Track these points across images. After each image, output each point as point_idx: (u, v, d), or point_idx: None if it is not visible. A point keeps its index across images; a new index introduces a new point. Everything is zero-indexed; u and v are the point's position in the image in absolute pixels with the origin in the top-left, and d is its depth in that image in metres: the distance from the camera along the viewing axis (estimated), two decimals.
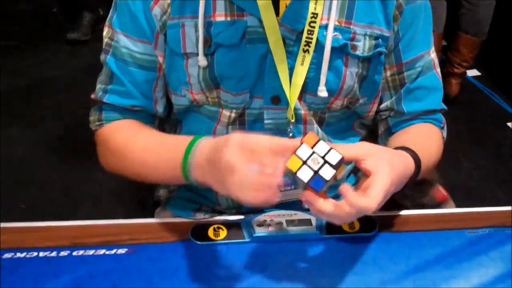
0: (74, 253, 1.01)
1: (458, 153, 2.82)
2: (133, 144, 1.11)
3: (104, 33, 1.14)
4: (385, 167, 0.92)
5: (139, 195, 2.45)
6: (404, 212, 1.13)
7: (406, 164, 1.00)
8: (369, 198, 0.88)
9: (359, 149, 0.94)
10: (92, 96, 1.17)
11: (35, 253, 1.01)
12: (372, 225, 1.07)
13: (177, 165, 1.00)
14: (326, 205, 0.88)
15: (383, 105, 1.19)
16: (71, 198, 2.53)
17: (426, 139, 1.16)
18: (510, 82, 3.37)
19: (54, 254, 1.01)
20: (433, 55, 1.17)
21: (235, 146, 0.87)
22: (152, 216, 1.32)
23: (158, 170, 1.08)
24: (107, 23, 1.13)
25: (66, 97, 3.19)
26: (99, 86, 1.16)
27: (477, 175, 2.73)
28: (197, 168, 0.97)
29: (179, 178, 1.01)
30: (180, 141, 1.02)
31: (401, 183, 0.98)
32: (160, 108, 1.17)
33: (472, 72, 3.52)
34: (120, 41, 1.11)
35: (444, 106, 1.21)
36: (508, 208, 1.15)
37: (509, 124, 3.09)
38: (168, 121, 1.24)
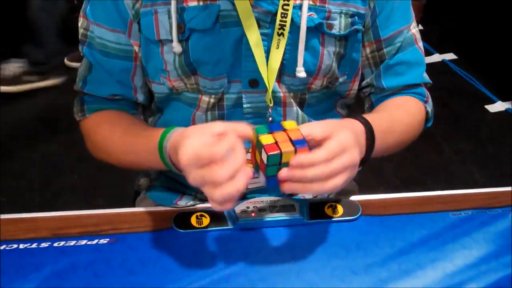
0: (55, 244, 1.00)
1: (438, 137, 2.84)
2: (113, 142, 1.12)
3: (79, 24, 1.13)
4: (339, 128, 0.92)
5: (118, 186, 2.46)
6: (387, 196, 1.13)
7: (352, 123, 1.00)
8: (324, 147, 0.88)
9: (311, 129, 0.92)
10: (74, 86, 1.18)
11: (15, 245, 0.99)
12: (355, 209, 1.07)
13: (154, 148, 1.00)
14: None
15: (364, 82, 1.18)
16: (49, 190, 2.50)
17: (392, 107, 1.15)
18: (487, 65, 3.39)
19: (34, 245, 1.00)
20: (414, 30, 1.16)
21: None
22: (131, 206, 1.31)
23: (138, 158, 1.08)
24: (81, 13, 1.12)
25: (41, 88, 3.15)
26: (79, 76, 1.17)
27: (457, 158, 2.75)
28: (171, 150, 0.97)
29: (158, 162, 1.01)
30: (153, 133, 1.03)
31: (358, 139, 0.96)
32: (140, 97, 1.16)
33: (449, 56, 3.54)
34: (95, 31, 1.10)
35: (428, 80, 1.20)
36: (488, 190, 1.16)
37: (487, 106, 3.11)
38: (148, 109, 1.23)
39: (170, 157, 0.98)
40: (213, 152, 0.84)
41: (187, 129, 0.93)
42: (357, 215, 1.06)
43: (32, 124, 2.89)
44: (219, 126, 0.90)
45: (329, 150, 0.88)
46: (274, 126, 0.90)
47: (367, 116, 1.03)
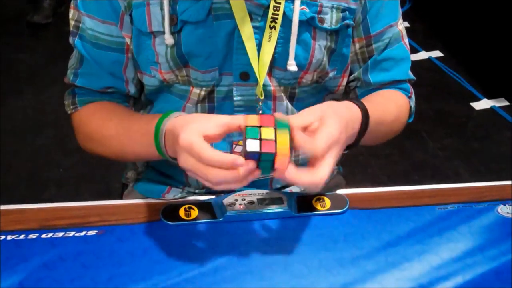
0: (43, 236, 1.00)
1: (423, 133, 2.86)
2: (107, 128, 1.11)
3: (70, 15, 1.12)
4: (331, 114, 0.92)
5: (103, 180, 2.45)
6: (374, 190, 1.14)
7: (349, 108, 1.00)
8: (315, 141, 0.88)
9: (305, 118, 0.93)
10: (65, 79, 1.17)
11: (3, 237, 0.99)
12: (343, 203, 1.08)
13: (150, 138, 1.01)
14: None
15: (351, 76, 1.19)
16: (34, 183, 2.50)
17: (383, 100, 1.17)
18: (472, 63, 3.42)
19: (22, 237, 0.99)
20: (401, 26, 1.17)
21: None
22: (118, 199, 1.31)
23: (133, 150, 1.09)
24: (72, 4, 1.11)
25: (29, 80, 3.13)
26: (70, 69, 1.16)
27: (442, 154, 2.77)
28: (167, 133, 0.98)
29: (151, 146, 1.01)
30: (152, 116, 1.04)
31: (351, 127, 0.98)
32: (131, 89, 1.16)
33: (435, 53, 3.55)
34: (86, 23, 1.09)
35: (412, 77, 1.22)
36: (474, 184, 1.17)
37: (472, 104, 3.13)
38: (138, 102, 1.23)
39: (165, 141, 0.98)
40: (210, 156, 0.86)
41: (193, 115, 0.96)
42: (345, 209, 1.07)
43: (18, 118, 2.88)
44: (225, 118, 0.92)
45: (325, 141, 0.89)
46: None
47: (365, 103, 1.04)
